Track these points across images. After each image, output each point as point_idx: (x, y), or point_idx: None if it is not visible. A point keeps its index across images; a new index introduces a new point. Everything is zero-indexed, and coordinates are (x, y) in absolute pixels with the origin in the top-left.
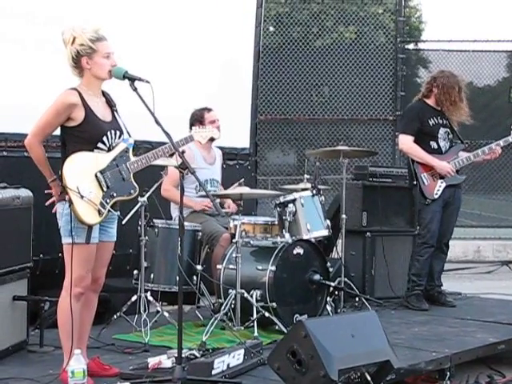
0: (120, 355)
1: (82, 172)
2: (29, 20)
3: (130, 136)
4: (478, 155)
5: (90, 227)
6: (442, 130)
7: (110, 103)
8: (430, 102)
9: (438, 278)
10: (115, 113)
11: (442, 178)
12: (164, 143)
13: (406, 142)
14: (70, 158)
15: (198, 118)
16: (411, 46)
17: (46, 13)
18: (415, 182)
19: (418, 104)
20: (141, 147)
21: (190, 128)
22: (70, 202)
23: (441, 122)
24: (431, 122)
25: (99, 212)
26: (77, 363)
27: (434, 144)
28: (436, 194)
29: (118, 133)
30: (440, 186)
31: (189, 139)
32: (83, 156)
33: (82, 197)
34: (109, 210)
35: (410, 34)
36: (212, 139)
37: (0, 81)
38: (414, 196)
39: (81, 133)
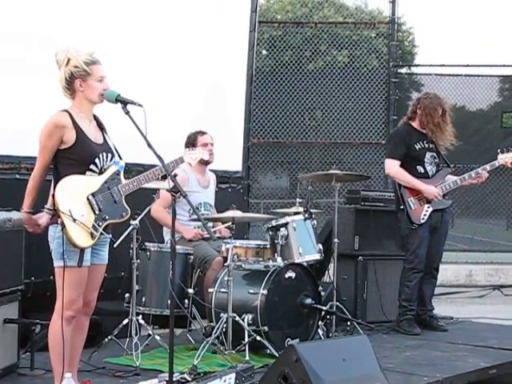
0: (111, 379)
1: (74, 195)
2: (22, 43)
3: (120, 159)
4: (465, 179)
5: (82, 250)
6: (428, 154)
7: (101, 126)
8: (415, 124)
9: (429, 303)
10: (105, 135)
11: (428, 202)
12: (156, 166)
13: (392, 167)
14: (62, 182)
15: (191, 141)
16: (404, 70)
17: (39, 35)
18: (402, 207)
19: (404, 128)
20: (133, 170)
21: (193, 146)
22: (63, 226)
23: (427, 146)
24: (417, 147)
25: (91, 235)
26: None
27: (420, 168)
28: (423, 218)
29: (109, 155)
30: (427, 210)
31: (179, 161)
32: (75, 179)
33: (74, 220)
34: (101, 233)
35: (402, 58)
36: (206, 162)
37: None
38: (400, 220)
39: (72, 155)
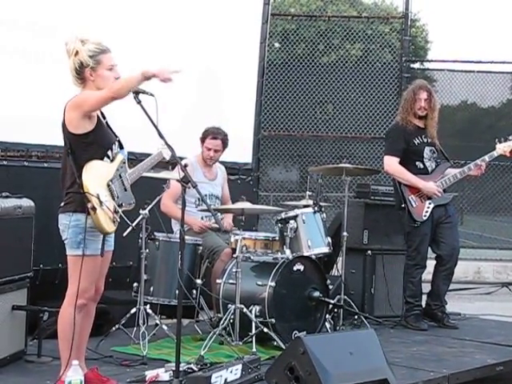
0: (118, 367)
1: (98, 180)
2: (29, 31)
3: (122, 148)
4: (465, 172)
5: (104, 238)
6: (427, 149)
7: (103, 115)
8: (413, 118)
9: (443, 299)
10: (108, 124)
11: (429, 198)
12: (145, 154)
13: (391, 164)
14: (87, 166)
15: (201, 137)
16: (416, 66)
17: (46, 23)
18: (403, 205)
19: (402, 122)
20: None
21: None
22: (94, 209)
23: (425, 140)
24: (416, 141)
25: (114, 221)
26: (74, 373)
27: (419, 164)
28: (425, 215)
29: (116, 143)
30: (428, 207)
31: (157, 157)
32: (97, 164)
33: (101, 204)
34: (119, 220)
35: (415, 53)
36: (205, 163)
37: (1, 92)
38: (402, 217)
39: (94, 139)
